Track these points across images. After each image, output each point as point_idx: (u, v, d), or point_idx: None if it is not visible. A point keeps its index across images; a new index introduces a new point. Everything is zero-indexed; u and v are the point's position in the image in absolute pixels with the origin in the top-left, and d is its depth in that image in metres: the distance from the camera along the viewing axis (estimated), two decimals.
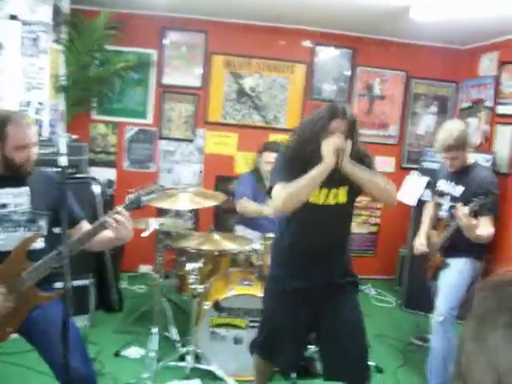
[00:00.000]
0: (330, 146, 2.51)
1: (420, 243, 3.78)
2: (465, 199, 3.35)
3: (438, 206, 3.72)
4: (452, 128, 3.41)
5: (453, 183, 3.58)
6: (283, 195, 2.59)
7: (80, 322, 4.01)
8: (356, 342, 2.78)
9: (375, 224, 6.09)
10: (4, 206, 2.50)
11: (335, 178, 2.63)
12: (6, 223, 2.50)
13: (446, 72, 5.92)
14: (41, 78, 4.44)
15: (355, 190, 2.73)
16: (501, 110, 4.98)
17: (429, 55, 5.85)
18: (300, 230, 2.79)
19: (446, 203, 3.63)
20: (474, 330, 0.59)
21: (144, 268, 5.75)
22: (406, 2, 4.19)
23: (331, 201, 2.71)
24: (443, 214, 3.64)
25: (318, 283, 2.76)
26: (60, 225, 2.62)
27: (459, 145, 3.37)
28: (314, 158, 2.57)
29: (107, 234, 2.53)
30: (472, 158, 3.59)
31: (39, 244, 2.57)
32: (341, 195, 2.72)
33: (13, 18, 4.27)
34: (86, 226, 2.65)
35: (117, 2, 5.01)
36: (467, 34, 5.17)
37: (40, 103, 4.46)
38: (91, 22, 4.92)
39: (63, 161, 2.16)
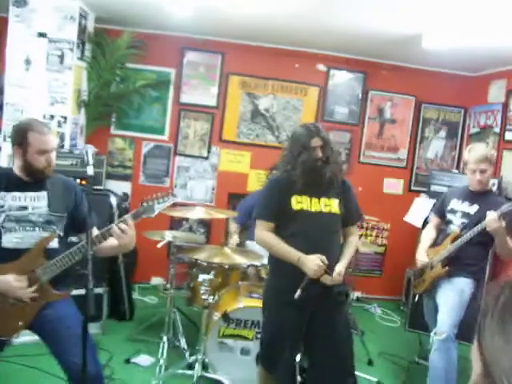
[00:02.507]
0: (317, 271, 2.83)
1: (422, 255, 3.84)
2: (479, 217, 3.43)
3: (447, 222, 3.74)
4: (481, 145, 3.73)
5: (466, 202, 3.63)
6: (259, 241, 3.05)
7: (92, 329, 4.13)
8: (342, 354, 2.96)
9: (382, 244, 6.19)
10: (24, 208, 2.66)
11: (324, 189, 2.96)
12: (25, 223, 2.65)
13: (456, 98, 6.08)
14: (64, 93, 4.65)
15: (342, 208, 3.01)
16: (508, 136, 5.13)
17: (439, 81, 6.02)
18: (295, 238, 2.93)
19: (456, 219, 3.65)
20: (498, 326, 0.66)
21: (156, 280, 5.88)
22: (418, 30, 4.35)
23: (324, 209, 2.95)
24: (453, 227, 3.65)
25: (313, 292, 2.87)
26: (74, 228, 2.85)
27: (491, 160, 3.53)
28: (296, 181, 2.90)
29: (113, 241, 2.69)
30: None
31: (54, 244, 2.73)
32: (333, 206, 2.98)
33: (41, 35, 4.49)
34: (95, 232, 2.77)
35: (139, 22, 5.22)
36: (477, 61, 5.33)
37: (63, 117, 4.66)
38: (114, 41, 5.14)
39: (90, 170, 2.32)
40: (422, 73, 5.98)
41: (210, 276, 3.94)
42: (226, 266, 4.22)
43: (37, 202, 2.70)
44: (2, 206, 2.63)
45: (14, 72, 4.55)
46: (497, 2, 3.47)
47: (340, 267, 2.90)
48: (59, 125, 4.64)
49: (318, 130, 2.95)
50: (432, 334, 3.57)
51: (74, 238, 2.99)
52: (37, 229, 2.69)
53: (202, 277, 3.93)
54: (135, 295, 5.41)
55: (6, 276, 2.56)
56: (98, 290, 4.46)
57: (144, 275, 5.77)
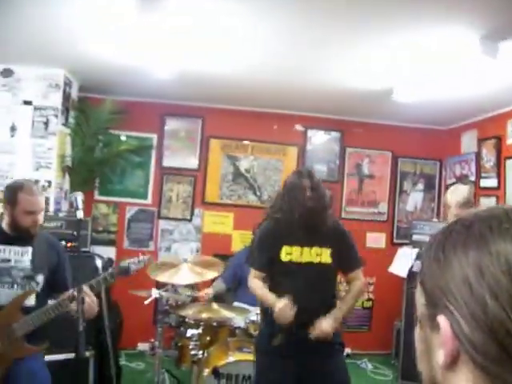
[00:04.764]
0: (281, 315, 2.82)
1: None
2: None
3: None
4: (463, 187, 3.71)
5: None
6: (250, 287, 3.11)
7: None
8: None
9: (369, 299, 6.19)
10: (6, 260, 2.74)
11: (316, 238, 2.93)
12: (4, 277, 2.71)
13: (431, 151, 6.29)
14: (49, 158, 4.74)
15: (338, 254, 2.96)
16: (483, 183, 5.31)
17: (413, 136, 6.24)
18: (282, 291, 2.92)
19: None
20: (434, 259, 0.71)
21: (142, 346, 5.76)
22: (389, 84, 4.57)
23: (314, 259, 2.93)
24: None
25: (305, 343, 2.85)
26: (52, 287, 2.88)
27: (471, 203, 3.57)
28: (286, 229, 2.92)
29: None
30: None
31: (31, 302, 2.76)
32: (324, 255, 2.94)
33: (26, 103, 4.62)
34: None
35: (121, 91, 5.39)
36: (447, 114, 5.58)
37: (47, 181, 4.72)
38: (97, 108, 5.29)
39: (80, 214, 2.38)
40: (397, 129, 6.21)
41: (199, 330, 3.91)
42: (214, 323, 4.18)
43: (20, 257, 2.77)
44: None
45: (0, 138, 4.63)
46: (460, 57, 3.70)
47: (325, 324, 2.85)
48: (44, 189, 4.67)
49: (308, 172, 2.97)
50: None
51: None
52: (15, 286, 2.74)
53: (190, 332, 3.90)
54: (122, 361, 5.29)
55: None
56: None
57: (130, 341, 5.65)
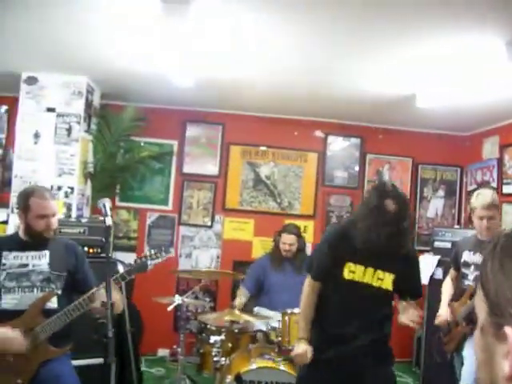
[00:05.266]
0: (297, 358, 2.88)
1: (444, 312, 3.78)
2: None
3: (462, 276, 3.73)
4: (488, 191, 3.68)
5: (478, 253, 3.60)
6: (303, 292, 2.99)
7: None
8: None
9: None
10: (24, 265, 2.82)
11: (383, 261, 2.75)
12: (24, 282, 2.78)
13: (451, 157, 6.25)
14: (72, 165, 4.79)
15: (400, 281, 2.79)
16: (506, 189, 5.26)
17: (434, 142, 6.21)
18: (336, 308, 2.86)
19: (471, 273, 3.64)
20: (498, 266, 0.69)
21: (162, 352, 5.78)
22: (411, 90, 4.55)
23: (375, 282, 2.77)
24: (469, 283, 3.63)
25: (347, 353, 2.79)
26: (74, 288, 2.96)
27: (497, 204, 3.54)
28: (355, 248, 2.72)
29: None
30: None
31: (53, 304, 2.83)
32: (386, 281, 2.77)
33: (50, 110, 4.69)
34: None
35: (142, 98, 5.44)
36: (469, 120, 5.54)
37: (70, 187, 4.77)
38: (119, 115, 5.34)
39: (108, 221, 2.44)
40: (418, 135, 6.18)
41: (222, 337, 3.91)
42: (236, 330, 4.18)
43: (38, 260, 2.85)
44: (4, 264, 2.79)
45: (24, 146, 4.72)
46: (483, 63, 3.68)
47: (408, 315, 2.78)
48: (66, 195, 4.74)
49: (393, 191, 2.68)
50: None
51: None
52: (35, 290, 2.80)
53: (213, 338, 3.90)
54: (142, 367, 5.31)
55: (2, 328, 2.66)
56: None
57: (150, 347, 5.67)
